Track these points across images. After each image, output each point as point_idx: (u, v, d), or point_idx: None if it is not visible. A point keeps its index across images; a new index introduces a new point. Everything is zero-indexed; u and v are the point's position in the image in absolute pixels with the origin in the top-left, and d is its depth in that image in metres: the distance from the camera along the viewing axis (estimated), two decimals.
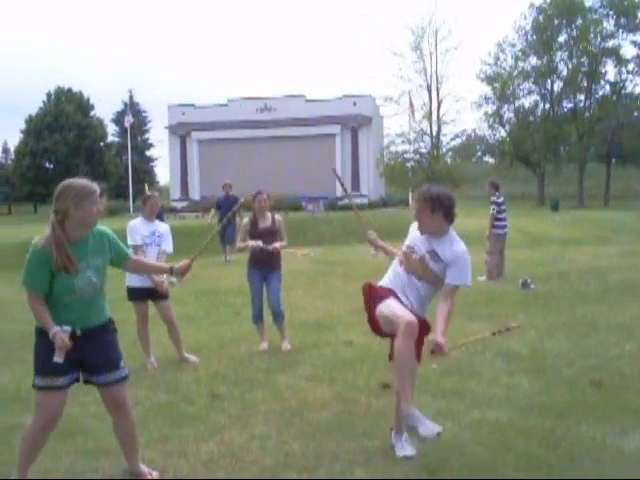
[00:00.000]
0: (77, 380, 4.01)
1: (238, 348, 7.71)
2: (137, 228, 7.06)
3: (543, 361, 6.68)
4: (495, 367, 6.52)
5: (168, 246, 7.14)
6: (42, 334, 3.81)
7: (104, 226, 4.04)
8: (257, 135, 51.80)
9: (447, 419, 4.99)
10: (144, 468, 4.23)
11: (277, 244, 7.64)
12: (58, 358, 3.73)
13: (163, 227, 7.26)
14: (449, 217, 4.31)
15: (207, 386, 6.19)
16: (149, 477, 4.19)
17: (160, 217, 14.82)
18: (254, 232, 7.62)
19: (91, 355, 3.92)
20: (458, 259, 4.29)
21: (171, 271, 4.35)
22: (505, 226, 12.91)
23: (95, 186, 3.85)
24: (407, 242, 4.45)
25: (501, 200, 12.74)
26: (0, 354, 7.72)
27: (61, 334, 3.71)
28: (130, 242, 6.92)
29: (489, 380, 6.08)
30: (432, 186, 4.49)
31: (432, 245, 4.32)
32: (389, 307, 4.17)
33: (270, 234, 7.63)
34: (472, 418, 5.08)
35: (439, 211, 4.26)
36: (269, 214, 7.77)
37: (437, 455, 4.35)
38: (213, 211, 18.08)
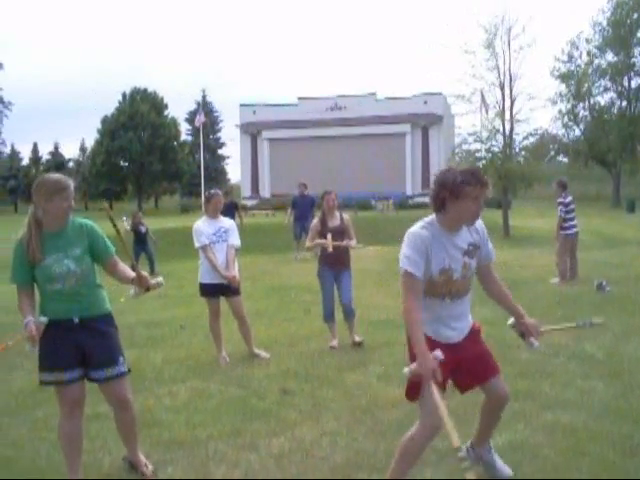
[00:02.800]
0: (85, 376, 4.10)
1: (308, 345, 7.77)
2: (202, 229, 7.14)
3: (619, 365, 6.51)
4: (569, 370, 6.39)
5: (235, 240, 7.20)
6: (46, 330, 3.89)
7: (90, 221, 4.14)
8: (327, 134, 51.96)
9: (519, 421, 4.93)
10: (142, 458, 4.37)
11: (348, 242, 7.69)
12: (30, 347, 3.82)
13: (228, 223, 7.32)
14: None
15: (278, 382, 6.26)
16: (144, 468, 4.32)
17: (233, 211, 15.27)
18: (324, 231, 7.68)
19: (91, 347, 4.00)
20: (484, 232, 3.81)
21: (132, 281, 4.17)
22: (574, 226, 12.59)
23: (67, 182, 3.96)
24: (433, 267, 3.56)
25: (568, 200, 12.43)
26: None
27: (31, 324, 3.80)
28: (197, 244, 7.06)
29: (563, 383, 5.96)
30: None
31: (462, 242, 3.68)
32: (432, 394, 3.39)
33: (339, 233, 7.68)
34: (545, 421, 4.99)
35: (461, 194, 3.51)
36: (337, 213, 7.82)
37: (509, 457, 4.29)
38: (290, 210, 18.30)
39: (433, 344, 3.54)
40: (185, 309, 10.43)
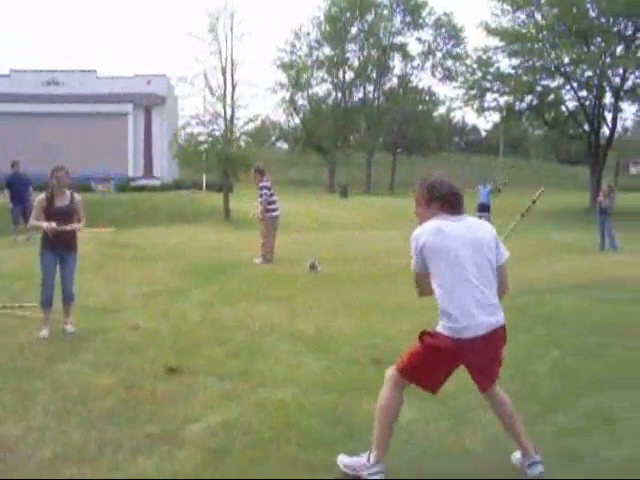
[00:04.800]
0: None
1: (16, 335, 7.25)
2: None
3: (327, 341, 6.92)
4: (281, 347, 6.65)
5: None
6: None
7: None
8: (42, 110, 48.89)
9: (232, 401, 5.04)
10: None
11: (75, 225, 7.27)
12: None
13: None
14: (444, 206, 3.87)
15: None
16: None
17: None
18: (51, 211, 7.17)
19: None
20: None
21: None
22: (278, 208, 13.17)
23: None
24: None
25: (270, 184, 13.07)
26: None
27: None
28: None
29: (275, 360, 6.19)
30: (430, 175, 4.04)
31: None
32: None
33: (68, 213, 7.22)
34: (258, 398, 5.14)
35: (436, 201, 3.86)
36: (68, 192, 7.35)
37: (222, 437, 4.36)
38: (6, 191, 16.87)
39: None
40: None
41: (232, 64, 24.63)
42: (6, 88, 49.33)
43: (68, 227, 7.19)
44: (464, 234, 3.76)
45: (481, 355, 3.74)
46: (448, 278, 3.69)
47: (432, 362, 3.76)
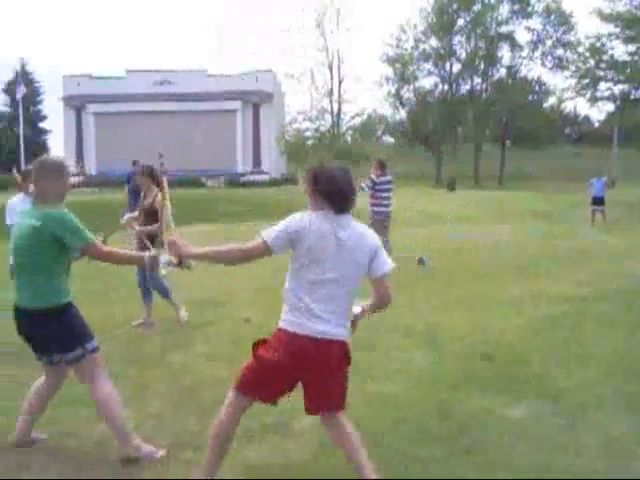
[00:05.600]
0: None
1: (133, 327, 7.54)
2: (15, 206, 6.64)
3: (436, 335, 6.84)
4: (391, 343, 6.63)
5: None
6: (72, 305, 4.04)
7: None
8: (155, 109, 50.61)
9: None
10: None
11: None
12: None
13: None
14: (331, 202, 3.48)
15: None
16: None
17: None
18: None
19: None
20: None
21: None
22: (389, 205, 12.56)
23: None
24: None
25: (387, 179, 12.42)
26: None
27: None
28: (8, 221, 6.57)
29: (385, 355, 6.17)
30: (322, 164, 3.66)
31: None
32: None
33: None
34: (368, 392, 5.13)
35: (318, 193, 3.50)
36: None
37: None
38: (127, 188, 17.60)
39: None
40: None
41: (338, 59, 24.75)
42: (122, 89, 51.32)
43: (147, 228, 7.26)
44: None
45: None
46: None
47: None
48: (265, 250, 3.46)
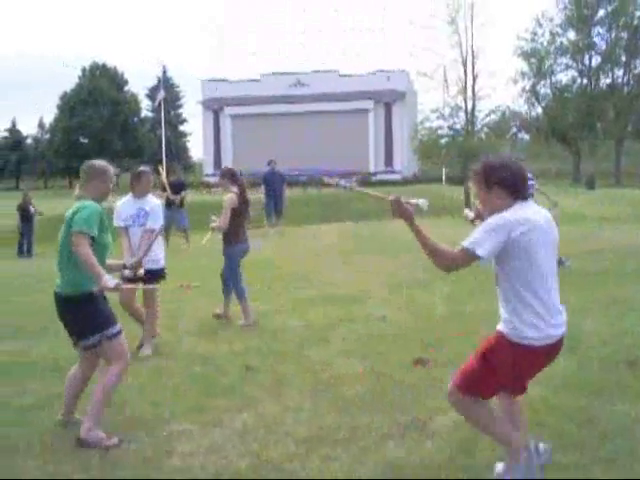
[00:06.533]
0: None
1: (271, 321, 7.77)
2: (119, 210, 6.77)
3: (577, 340, 6.63)
4: None
5: (153, 222, 6.60)
6: (92, 294, 4.33)
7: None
8: (290, 110, 51.59)
9: None
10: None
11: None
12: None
13: (151, 204, 6.76)
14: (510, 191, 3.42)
15: (240, 358, 6.26)
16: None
17: (179, 189, 15.61)
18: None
19: None
20: None
21: None
22: None
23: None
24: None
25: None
26: (37, 325, 7.84)
27: None
28: (114, 223, 6.65)
29: None
30: (490, 157, 3.65)
31: None
32: None
33: None
34: None
35: (495, 185, 3.43)
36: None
37: (467, 431, 4.32)
38: (263, 187, 18.22)
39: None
40: None
41: (472, 55, 24.37)
42: (257, 91, 52.63)
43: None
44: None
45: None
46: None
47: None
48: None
